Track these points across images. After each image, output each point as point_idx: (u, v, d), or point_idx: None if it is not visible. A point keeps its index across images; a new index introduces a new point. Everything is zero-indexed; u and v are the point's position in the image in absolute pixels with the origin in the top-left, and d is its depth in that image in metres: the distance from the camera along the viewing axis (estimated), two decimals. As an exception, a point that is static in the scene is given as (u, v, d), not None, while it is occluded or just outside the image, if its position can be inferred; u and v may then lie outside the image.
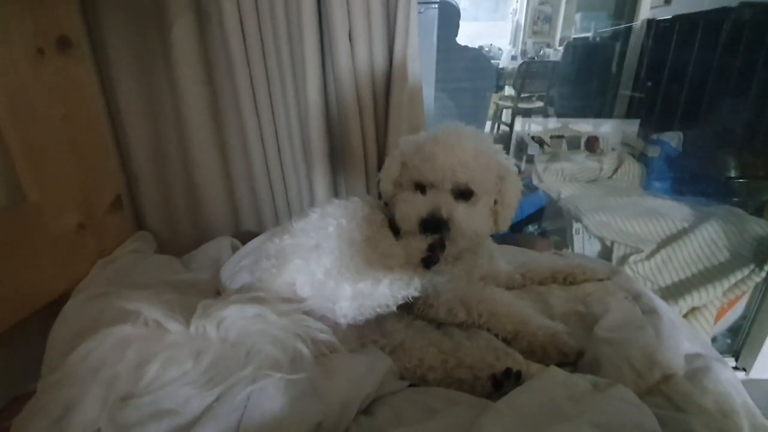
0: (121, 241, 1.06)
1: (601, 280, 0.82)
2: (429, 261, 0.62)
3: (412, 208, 0.68)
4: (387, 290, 0.59)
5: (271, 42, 1.05)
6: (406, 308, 0.75)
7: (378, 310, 0.59)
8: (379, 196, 0.84)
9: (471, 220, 0.67)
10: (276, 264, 0.66)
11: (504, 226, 0.74)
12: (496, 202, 0.73)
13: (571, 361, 0.63)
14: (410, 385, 0.60)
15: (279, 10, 1.00)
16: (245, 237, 1.06)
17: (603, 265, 0.87)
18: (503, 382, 0.56)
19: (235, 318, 0.52)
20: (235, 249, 1.02)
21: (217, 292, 0.84)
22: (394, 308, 0.62)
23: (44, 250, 0.84)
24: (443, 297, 0.71)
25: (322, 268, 0.61)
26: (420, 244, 0.63)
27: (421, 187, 0.70)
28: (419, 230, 0.66)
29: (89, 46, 1.03)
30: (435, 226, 0.65)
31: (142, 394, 0.44)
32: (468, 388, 0.58)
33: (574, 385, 0.46)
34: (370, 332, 0.65)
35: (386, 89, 1.07)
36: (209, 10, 1.05)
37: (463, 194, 0.69)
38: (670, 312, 0.74)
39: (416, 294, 0.63)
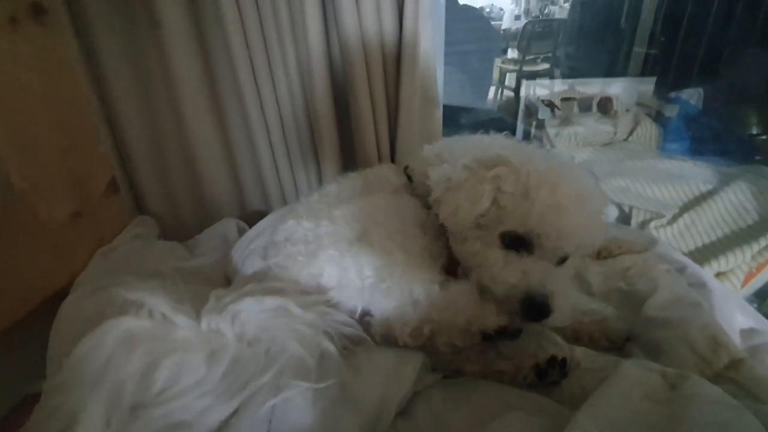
0: (121, 228, 1.00)
1: (639, 252, 0.76)
2: (490, 338, 0.51)
3: (515, 276, 0.51)
4: (425, 289, 0.52)
5: (268, 4, 0.95)
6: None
7: (411, 306, 0.53)
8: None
9: (567, 297, 0.53)
10: (305, 251, 0.59)
11: None
12: None
13: (619, 347, 0.58)
14: (444, 377, 0.55)
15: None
16: (252, 218, 1.00)
17: (639, 236, 0.81)
18: (548, 371, 0.52)
19: (252, 311, 0.46)
20: (241, 231, 0.97)
21: (225, 278, 0.78)
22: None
23: (38, 242, 0.78)
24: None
25: (357, 268, 0.54)
26: (492, 316, 0.50)
27: (513, 242, 0.53)
28: (515, 309, 0.51)
29: (69, 17, 0.93)
30: (539, 312, 0.50)
31: (153, 405, 0.39)
32: (509, 380, 0.53)
33: (647, 381, 0.41)
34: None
35: (397, 55, 0.98)
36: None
37: (563, 259, 0.55)
38: (718, 283, 0.68)
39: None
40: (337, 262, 0.56)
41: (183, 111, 1.03)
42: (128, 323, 0.44)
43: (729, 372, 0.48)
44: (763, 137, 1.96)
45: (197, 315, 0.47)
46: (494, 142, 0.65)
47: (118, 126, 1.05)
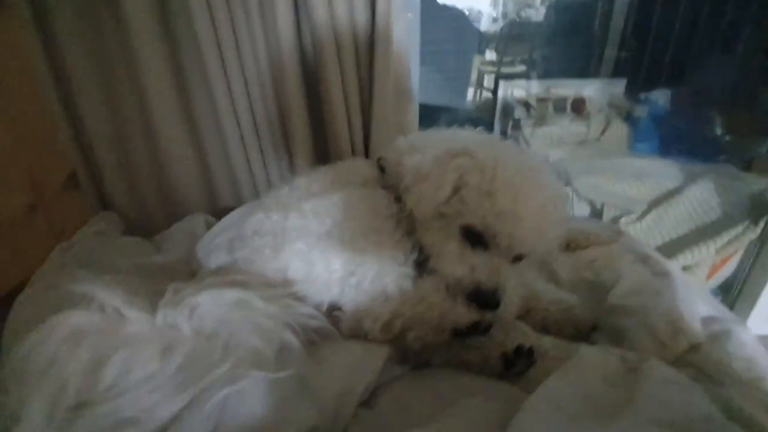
0: (82, 223, 0.95)
1: (605, 244, 0.77)
2: (461, 334, 0.51)
3: (464, 270, 0.53)
4: (395, 278, 0.53)
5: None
6: None
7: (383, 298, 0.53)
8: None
9: (517, 292, 0.55)
10: (273, 244, 0.57)
11: None
12: None
13: (584, 335, 0.59)
14: (413, 368, 0.55)
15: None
16: (223, 214, 0.97)
17: (606, 228, 0.82)
18: (515, 361, 0.52)
19: (211, 305, 0.44)
20: (209, 227, 0.94)
21: (191, 274, 0.76)
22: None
23: (-12, 236, 0.74)
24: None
25: (325, 262, 0.53)
26: (464, 312, 0.51)
27: (472, 236, 0.54)
28: (461, 297, 0.52)
29: (27, 4, 0.88)
30: (486, 303, 0.52)
31: (99, 401, 0.36)
32: (477, 370, 0.53)
33: (606, 365, 0.42)
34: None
35: (369, 49, 0.97)
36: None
37: (518, 257, 0.56)
38: (681, 273, 0.70)
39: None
40: (304, 256, 0.55)
41: (148, 103, 0.99)
42: (76, 318, 0.42)
43: (688, 356, 0.49)
44: (728, 138, 2.04)
45: (153, 309, 0.45)
46: (469, 136, 0.65)
47: (80, 119, 1.00)
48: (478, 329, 0.52)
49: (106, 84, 0.99)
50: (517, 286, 0.55)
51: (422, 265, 0.60)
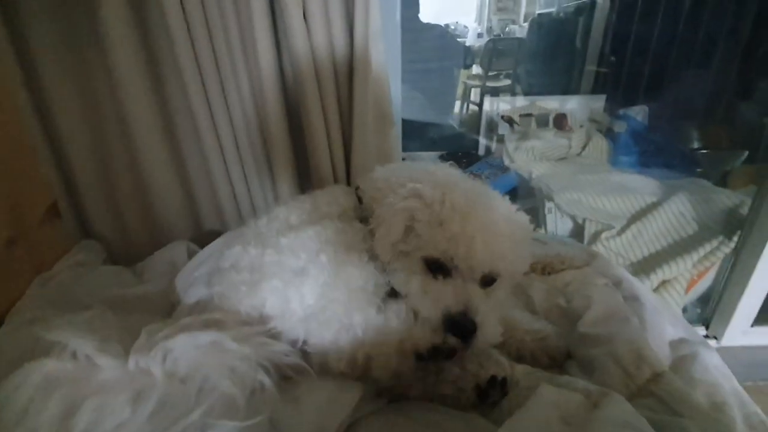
0: (63, 253, 0.95)
1: (579, 267, 0.79)
2: (424, 359, 0.51)
3: (435, 302, 0.53)
4: (361, 306, 0.53)
5: (218, 21, 0.94)
6: None
7: (348, 333, 0.53)
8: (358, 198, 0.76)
9: (494, 316, 0.54)
10: (249, 281, 0.58)
11: None
12: None
13: (559, 364, 0.60)
14: (389, 401, 0.55)
15: (223, -15, 0.89)
16: (208, 238, 0.98)
17: (580, 251, 0.84)
18: (488, 392, 0.53)
19: (185, 348, 0.45)
20: (192, 254, 0.94)
21: (172, 306, 0.76)
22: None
23: (-35, 272, 0.73)
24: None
25: (299, 298, 0.54)
26: (424, 335, 0.51)
27: (434, 266, 0.56)
28: (442, 329, 0.52)
29: (6, 34, 0.89)
30: (463, 330, 0.51)
31: (71, 452, 0.37)
32: (452, 402, 0.54)
33: (566, 403, 0.43)
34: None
35: (348, 74, 0.99)
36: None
37: (487, 282, 0.56)
38: (651, 296, 0.72)
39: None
40: (280, 293, 0.55)
41: (131, 131, 1.00)
42: (48, 366, 0.42)
43: (650, 385, 0.50)
44: (704, 151, 2.10)
45: (126, 353, 0.46)
46: (437, 172, 0.67)
47: (60, 146, 1.00)
48: (440, 353, 0.52)
49: (88, 111, 1.00)
50: (494, 309, 0.56)
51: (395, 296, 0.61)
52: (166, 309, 0.76)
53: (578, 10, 2.85)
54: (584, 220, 1.61)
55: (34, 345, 0.52)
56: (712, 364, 0.57)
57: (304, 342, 0.54)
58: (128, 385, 0.42)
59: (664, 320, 0.64)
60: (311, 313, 0.53)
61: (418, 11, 2.58)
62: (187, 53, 0.95)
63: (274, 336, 0.53)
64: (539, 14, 3.74)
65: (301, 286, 0.54)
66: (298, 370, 0.51)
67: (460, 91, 3.68)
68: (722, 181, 1.78)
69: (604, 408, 0.42)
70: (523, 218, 0.61)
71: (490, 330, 0.53)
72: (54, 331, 0.44)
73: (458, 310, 0.52)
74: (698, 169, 1.94)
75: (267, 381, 0.45)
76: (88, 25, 0.93)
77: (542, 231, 1.77)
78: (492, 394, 0.53)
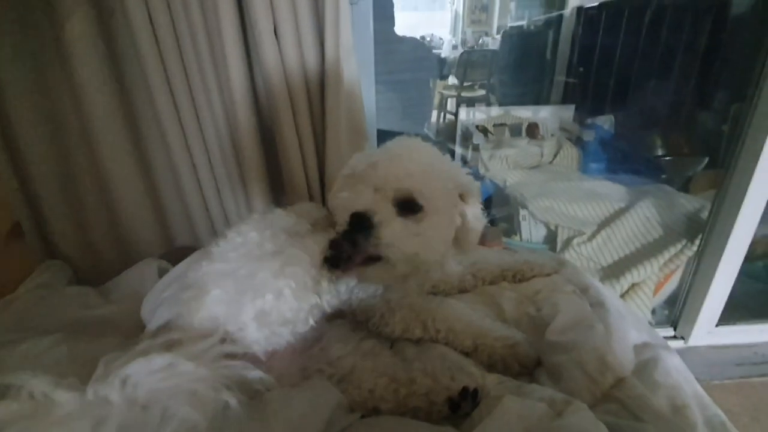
0: (26, 275, 0.91)
1: (548, 274, 0.81)
2: (334, 260, 0.55)
3: (348, 200, 0.60)
4: (292, 301, 0.53)
5: (187, 38, 0.93)
6: (360, 325, 0.70)
7: (291, 327, 0.54)
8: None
9: (411, 240, 0.58)
10: (195, 296, 0.58)
11: (469, 248, 0.68)
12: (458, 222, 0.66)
13: (530, 371, 0.61)
14: (362, 416, 0.55)
15: (192, 1, 0.89)
16: (180, 255, 0.95)
17: (550, 259, 0.87)
18: (460, 403, 0.53)
19: (141, 375, 0.44)
20: (162, 273, 0.92)
21: (140, 328, 0.74)
22: (311, 322, 0.56)
23: None
24: (398, 315, 0.67)
25: (240, 299, 0.54)
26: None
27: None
28: (348, 224, 0.57)
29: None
30: (361, 223, 0.56)
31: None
32: (424, 415, 0.54)
33: (529, 415, 0.44)
34: (313, 362, 0.59)
35: (321, 90, 1.00)
36: (110, 3, 0.92)
37: (409, 208, 0.60)
38: (616, 301, 0.74)
39: (333, 302, 0.58)
40: (221, 300, 0.56)
41: (97, 148, 0.98)
42: (3, 409, 0.40)
43: (614, 391, 0.52)
44: (668, 158, 2.20)
45: (85, 385, 0.44)
46: None
47: (22, 163, 0.97)
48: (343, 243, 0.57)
49: (50, 126, 0.98)
50: (413, 233, 0.59)
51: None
52: (134, 331, 0.74)
53: (547, 23, 2.96)
54: (556, 227, 1.66)
55: None
56: (673, 367, 0.59)
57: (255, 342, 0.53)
58: (87, 414, 0.40)
59: (628, 325, 0.66)
60: (258, 317, 0.53)
61: (393, 24, 2.62)
62: (156, 68, 0.94)
63: (232, 343, 0.53)
64: (511, 27, 3.86)
65: (243, 291, 0.55)
66: (264, 385, 0.50)
67: (436, 101, 3.74)
68: (685, 186, 1.86)
69: (566, 417, 0.43)
70: (452, 164, 0.68)
71: (399, 243, 0.57)
72: (7, 373, 0.42)
73: (363, 206, 0.57)
74: (662, 175, 2.02)
75: (232, 400, 0.44)
76: (51, 40, 0.91)
77: (517, 238, 1.81)
78: (464, 406, 0.54)
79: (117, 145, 1.00)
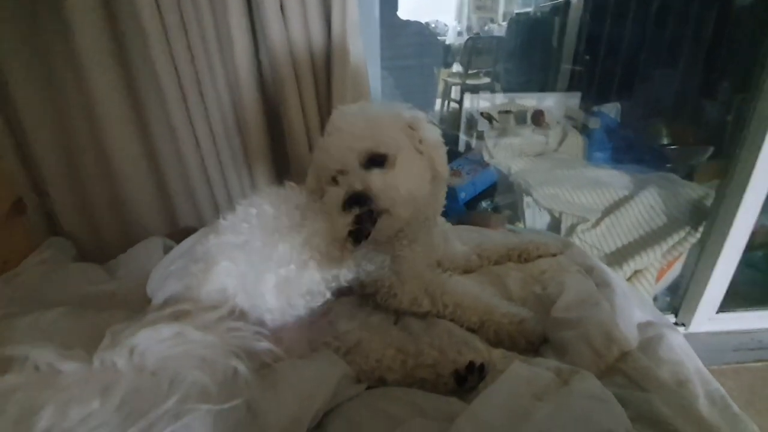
0: (29, 251, 0.92)
1: (554, 254, 0.81)
2: (358, 234, 0.57)
3: (331, 196, 0.63)
4: (315, 273, 0.54)
5: (192, 15, 0.92)
6: (368, 298, 0.71)
7: (309, 299, 0.54)
8: None
9: (396, 183, 0.62)
10: (203, 268, 0.58)
11: (444, 172, 0.70)
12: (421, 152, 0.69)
13: (537, 348, 0.61)
14: (368, 387, 0.56)
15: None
16: (183, 234, 0.95)
17: (555, 240, 0.86)
18: (467, 377, 0.53)
19: (149, 343, 0.44)
20: (168, 250, 0.91)
21: (146, 302, 0.74)
22: (328, 295, 0.57)
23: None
24: (407, 286, 0.67)
25: (249, 271, 0.54)
26: (345, 218, 0.58)
27: (336, 180, 0.66)
28: (344, 207, 0.61)
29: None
30: (356, 200, 0.60)
31: (37, 445, 0.35)
32: (431, 387, 0.54)
33: (537, 380, 0.44)
34: (321, 335, 0.59)
35: (326, 68, 0.99)
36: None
37: (378, 162, 0.64)
38: (621, 282, 0.74)
39: (350, 276, 0.58)
40: (230, 272, 0.56)
41: (101, 124, 0.97)
42: (7, 382, 0.40)
43: (619, 364, 0.52)
44: (673, 147, 2.18)
45: (91, 356, 0.44)
46: None
47: (25, 139, 0.97)
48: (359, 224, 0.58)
49: (54, 105, 0.97)
50: (395, 177, 0.63)
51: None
52: (141, 305, 0.74)
53: (554, 9, 2.91)
54: (561, 214, 1.65)
55: None
56: (677, 344, 0.59)
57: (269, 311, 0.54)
58: (94, 380, 0.40)
59: (632, 305, 0.67)
60: (273, 284, 0.53)
61: (396, 8, 2.59)
62: (160, 45, 0.93)
63: (241, 315, 0.53)
64: (517, 13, 3.80)
65: (249, 257, 0.55)
66: (272, 356, 0.51)
67: (440, 88, 3.70)
68: (689, 176, 1.85)
69: (573, 384, 0.43)
70: (389, 105, 0.71)
71: (388, 189, 0.61)
72: (12, 345, 0.42)
73: (345, 192, 0.61)
74: (667, 165, 2.01)
75: (240, 366, 0.45)
76: (52, 15, 0.89)
77: (521, 225, 1.81)
78: (470, 380, 0.54)
79: (119, 120, 0.99)
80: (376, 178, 0.61)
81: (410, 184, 0.64)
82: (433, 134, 0.70)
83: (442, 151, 0.70)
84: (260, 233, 0.57)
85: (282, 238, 0.55)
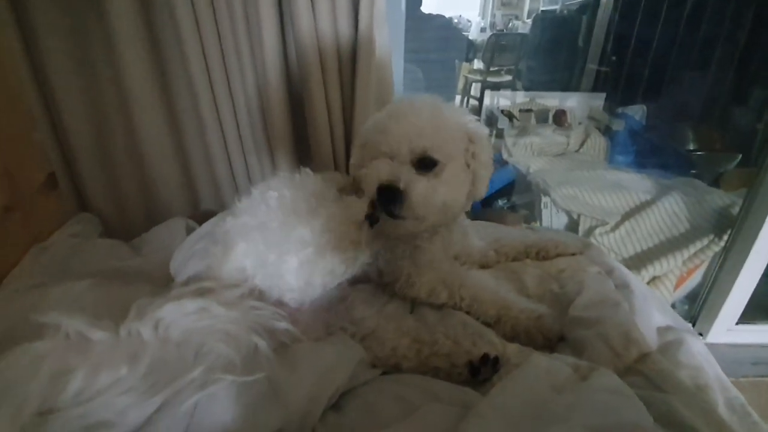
0: (59, 225, 0.95)
1: (573, 254, 0.81)
2: (374, 218, 0.59)
3: (373, 171, 0.63)
4: (335, 256, 0.55)
5: (223, 3, 0.93)
6: (384, 287, 0.72)
7: (327, 280, 0.55)
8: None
9: (435, 194, 0.62)
10: (222, 249, 0.59)
11: (481, 192, 0.70)
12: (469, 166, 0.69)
13: (553, 345, 0.61)
14: (383, 373, 0.56)
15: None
16: (204, 217, 0.98)
17: (575, 239, 0.86)
18: (480, 369, 0.54)
19: (174, 316, 0.45)
20: (190, 231, 0.94)
21: (170, 280, 0.76)
22: (348, 275, 0.58)
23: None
24: (426, 277, 0.68)
25: (269, 248, 0.56)
26: (361, 203, 0.59)
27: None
28: (378, 200, 0.61)
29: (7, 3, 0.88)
30: (390, 195, 0.60)
31: (69, 406, 0.37)
32: (444, 376, 0.55)
33: (556, 373, 0.44)
34: (337, 320, 0.60)
35: (352, 58, 0.99)
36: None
37: (426, 165, 0.63)
38: (641, 285, 0.73)
39: (368, 260, 0.59)
40: (247, 253, 0.57)
41: (130, 105, 1.00)
42: (39, 348, 0.42)
43: (638, 365, 0.52)
44: (699, 153, 2.13)
45: (118, 327, 0.46)
46: None
47: (59, 119, 1.00)
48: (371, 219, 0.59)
49: (87, 84, 0.99)
50: (434, 187, 0.63)
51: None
52: (165, 282, 0.76)
53: (582, 8, 2.85)
54: (579, 216, 1.63)
55: (24, 325, 0.52)
56: (696, 350, 0.58)
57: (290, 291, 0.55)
58: (123, 347, 0.42)
59: (652, 308, 0.66)
60: (295, 267, 0.54)
61: (420, 2, 2.57)
62: (191, 34, 0.94)
63: (260, 295, 0.54)
64: (543, 11, 3.73)
65: (266, 238, 0.56)
66: (291, 337, 0.52)
67: (460, 85, 3.67)
68: (716, 183, 1.80)
69: (593, 379, 0.43)
70: (458, 110, 0.70)
71: (426, 198, 0.61)
72: (45, 313, 0.44)
73: (387, 176, 0.61)
74: (692, 171, 1.96)
75: (261, 343, 0.46)
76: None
77: (538, 225, 1.79)
78: (484, 372, 0.54)
79: (149, 104, 1.01)
80: (418, 185, 0.61)
81: (448, 196, 0.64)
82: (487, 154, 0.70)
83: (488, 173, 0.70)
84: (278, 216, 0.58)
85: (300, 221, 0.56)
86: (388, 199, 0.60)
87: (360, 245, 0.56)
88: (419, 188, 0.61)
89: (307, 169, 0.71)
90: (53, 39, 0.94)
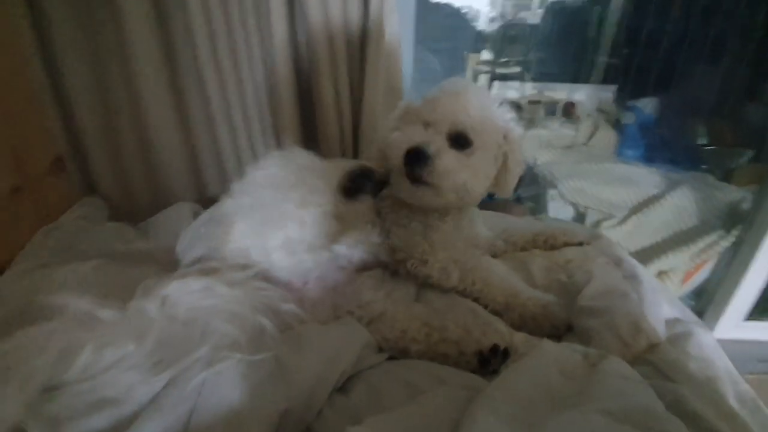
0: (67, 208, 0.95)
1: (581, 243, 0.80)
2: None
3: (403, 137, 0.64)
4: (314, 228, 0.55)
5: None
6: (391, 273, 0.72)
7: (316, 254, 0.55)
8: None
9: (461, 170, 0.63)
10: (224, 231, 0.60)
11: (507, 190, 0.71)
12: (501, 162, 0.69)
13: (561, 333, 0.61)
14: (389, 358, 0.56)
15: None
16: (210, 203, 0.98)
17: (583, 229, 0.85)
18: (490, 359, 0.53)
19: (180, 294, 0.45)
20: (196, 216, 0.94)
21: (176, 263, 0.76)
22: (341, 251, 0.59)
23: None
24: (439, 255, 0.68)
25: (264, 225, 0.56)
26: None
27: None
28: (404, 161, 0.62)
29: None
30: (417, 158, 0.61)
31: (76, 381, 0.37)
32: (452, 363, 0.54)
33: (566, 359, 0.44)
34: (345, 302, 0.60)
35: (361, 47, 0.98)
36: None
37: (460, 143, 0.64)
38: (650, 276, 0.73)
39: (378, 240, 0.62)
40: (247, 233, 0.58)
41: (138, 89, 0.99)
42: (47, 327, 0.42)
43: (647, 355, 0.51)
44: (710, 148, 2.09)
45: (124, 305, 0.46)
46: None
47: (68, 102, 1.00)
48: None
49: (95, 68, 0.99)
50: (464, 165, 0.64)
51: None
52: (171, 265, 0.76)
53: (594, -1, 2.80)
54: (586, 209, 1.62)
55: (32, 304, 0.52)
56: (705, 343, 0.58)
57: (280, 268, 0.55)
58: (129, 324, 0.42)
59: (661, 299, 0.65)
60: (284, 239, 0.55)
61: (428, -11, 2.53)
62: (200, 17, 0.93)
63: (267, 277, 0.54)
64: (553, 2, 3.67)
65: (267, 222, 0.56)
66: (297, 319, 0.52)
67: (468, 76, 3.62)
68: (726, 178, 1.77)
69: (602, 366, 0.42)
70: (502, 107, 0.71)
71: (451, 172, 0.62)
72: (52, 294, 0.44)
73: (417, 142, 0.62)
74: (703, 165, 1.93)
75: (267, 323, 0.46)
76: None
77: (544, 217, 1.78)
78: (493, 363, 0.54)
79: (157, 87, 1.01)
80: (448, 155, 0.62)
81: (472, 179, 0.65)
82: (518, 156, 0.71)
83: (516, 174, 0.71)
84: (271, 192, 0.58)
85: (285, 197, 0.56)
86: (415, 160, 0.61)
87: (344, 220, 0.57)
88: (448, 158, 0.62)
89: (297, 148, 0.72)
90: (64, 28, 0.93)
